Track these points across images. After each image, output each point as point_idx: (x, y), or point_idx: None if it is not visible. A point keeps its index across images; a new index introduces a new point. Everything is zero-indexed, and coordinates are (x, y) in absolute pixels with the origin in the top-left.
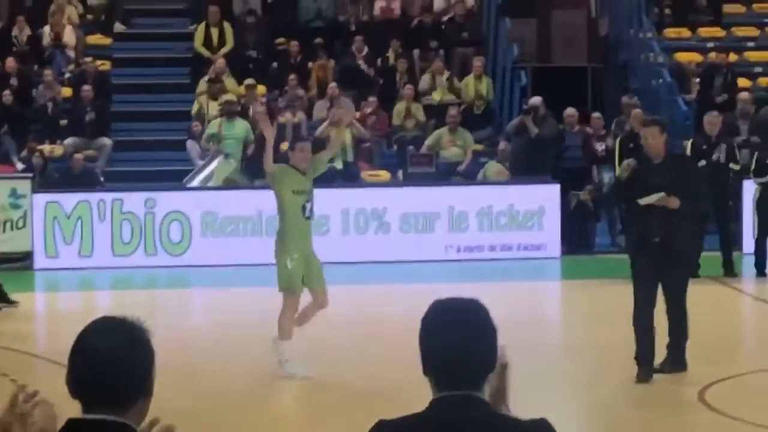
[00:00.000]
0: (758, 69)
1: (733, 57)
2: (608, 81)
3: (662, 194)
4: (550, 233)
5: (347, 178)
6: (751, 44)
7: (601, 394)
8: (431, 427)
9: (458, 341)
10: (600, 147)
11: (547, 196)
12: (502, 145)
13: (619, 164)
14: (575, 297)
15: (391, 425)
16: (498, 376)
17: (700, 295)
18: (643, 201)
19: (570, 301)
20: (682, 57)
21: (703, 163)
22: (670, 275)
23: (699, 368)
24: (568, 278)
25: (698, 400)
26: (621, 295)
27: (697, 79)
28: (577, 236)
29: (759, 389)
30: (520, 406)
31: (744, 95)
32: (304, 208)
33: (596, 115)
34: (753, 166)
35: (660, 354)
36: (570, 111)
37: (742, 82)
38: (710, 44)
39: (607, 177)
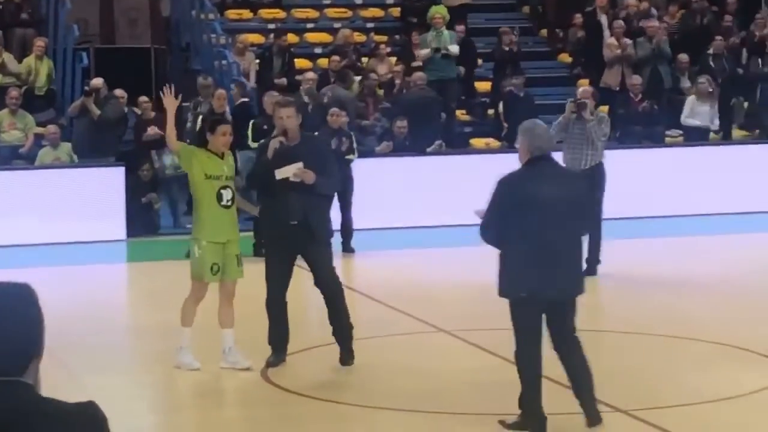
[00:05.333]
0: (318, 50)
1: (293, 38)
2: (172, 62)
3: (300, 164)
4: (115, 216)
5: None
6: (310, 26)
7: (163, 372)
8: None
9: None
10: (152, 131)
11: (112, 179)
12: (53, 128)
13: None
14: (141, 279)
15: None
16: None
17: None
18: (280, 173)
19: (136, 283)
20: (247, 38)
21: (262, 142)
22: (315, 255)
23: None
24: (133, 260)
25: (262, 378)
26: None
27: (257, 61)
28: (141, 218)
29: (315, 364)
30: (81, 386)
31: (309, 74)
32: (219, 195)
33: (142, 98)
34: None
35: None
36: (119, 92)
37: (302, 62)
38: (271, 25)
39: (167, 160)
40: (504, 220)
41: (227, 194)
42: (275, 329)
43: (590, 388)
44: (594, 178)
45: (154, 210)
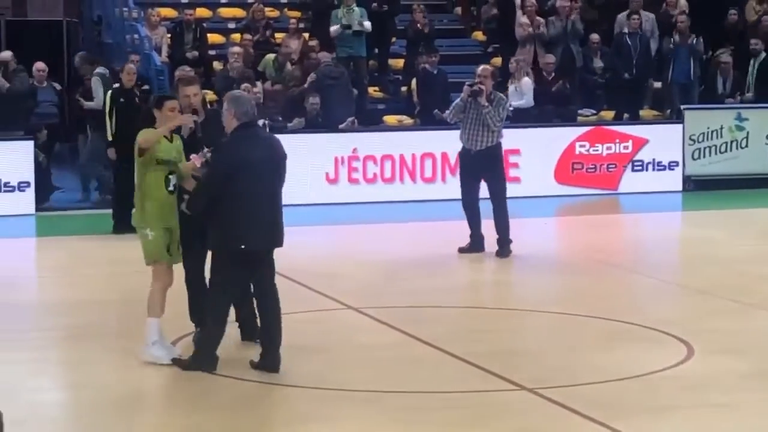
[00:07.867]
0: (231, 25)
1: (206, 13)
2: (84, 35)
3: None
4: (24, 190)
5: None
6: (224, 0)
7: (68, 349)
8: None
9: None
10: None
11: (21, 151)
12: None
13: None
14: (49, 254)
15: None
16: None
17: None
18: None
19: (44, 258)
20: (159, 12)
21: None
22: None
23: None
24: (42, 235)
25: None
26: (95, 251)
27: (169, 35)
28: (48, 193)
29: None
30: None
31: (236, 49)
32: (167, 180)
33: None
34: None
35: None
36: (39, 65)
37: (215, 37)
38: (184, 0)
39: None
40: (220, 183)
41: (174, 179)
42: (199, 306)
43: (278, 335)
44: (490, 159)
45: (44, 169)
